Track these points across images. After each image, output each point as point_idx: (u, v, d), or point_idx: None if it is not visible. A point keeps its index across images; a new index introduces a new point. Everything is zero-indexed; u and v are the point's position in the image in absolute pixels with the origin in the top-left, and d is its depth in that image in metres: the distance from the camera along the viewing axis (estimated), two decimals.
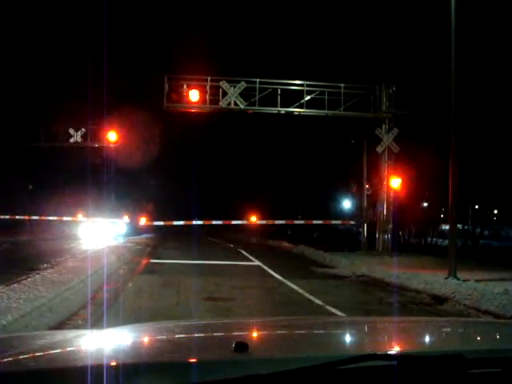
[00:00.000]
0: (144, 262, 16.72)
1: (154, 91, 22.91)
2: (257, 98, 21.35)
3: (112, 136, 26.67)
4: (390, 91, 21.99)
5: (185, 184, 36.80)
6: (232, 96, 21.33)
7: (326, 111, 21.73)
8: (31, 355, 1.67)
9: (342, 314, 8.32)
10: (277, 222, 28.70)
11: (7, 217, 30.56)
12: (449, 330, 2.42)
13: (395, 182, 21.53)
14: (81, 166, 28.76)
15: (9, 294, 7.45)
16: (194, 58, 24.10)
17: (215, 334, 2.16)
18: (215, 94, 21.49)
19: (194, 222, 28.65)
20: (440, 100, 17.24)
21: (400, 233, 26.89)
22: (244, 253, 21.45)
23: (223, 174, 44.59)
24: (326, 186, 34.46)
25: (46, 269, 11.84)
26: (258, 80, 21.47)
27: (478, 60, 21.27)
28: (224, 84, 21.39)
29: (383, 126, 21.98)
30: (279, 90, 21.43)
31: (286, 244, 26.41)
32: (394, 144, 21.74)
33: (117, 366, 1.42)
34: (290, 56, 33.54)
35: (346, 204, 33.08)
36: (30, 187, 37.50)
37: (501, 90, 22.03)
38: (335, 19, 31.34)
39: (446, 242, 16.72)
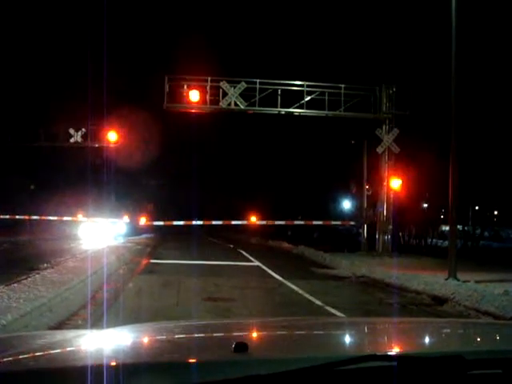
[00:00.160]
0: (144, 262, 16.72)
1: (154, 91, 22.95)
2: (257, 98, 21.35)
3: (112, 136, 26.68)
4: (391, 92, 21.99)
5: (185, 184, 36.81)
6: (232, 96, 21.34)
7: (326, 112, 21.73)
8: (31, 355, 1.67)
9: (342, 315, 8.32)
10: (277, 222, 28.72)
11: (7, 217, 30.60)
12: (449, 330, 2.42)
13: (395, 183, 21.52)
14: (81, 166, 28.81)
15: (9, 294, 7.45)
16: (194, 58, 24.10)
17: (215, 335, 2.16)
18: (215, 95, 21.49)
19: (194, 222, 28.65)
20: (440, 100, 17.25)
21: (400, 234, 26.87)
22: (244, 253, 21.45)
23: (223, 174, 44.63)
24: (326, 187, 34.48)
25: (46, 269, 11.84)
26: (258, 80, 21.47)
27: (478, 60, 21.27)
28: (224, 84, 21.40)
29: (383, 127, 21.98)
30: (279, 91, 21.42)
31: (285, 244, 26.39)
32: (394, 145, 21.74)
33: (117, 366, 1.42)
34: (290, 57, 33.58)
35: (346, 205, 33.09)
36: (32, 187, 37.52)
37: (501, 91, 22.02)
38: (335, 20, 31.35)
39: (446, 242, 16.69)
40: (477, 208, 27.73)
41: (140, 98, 29.62)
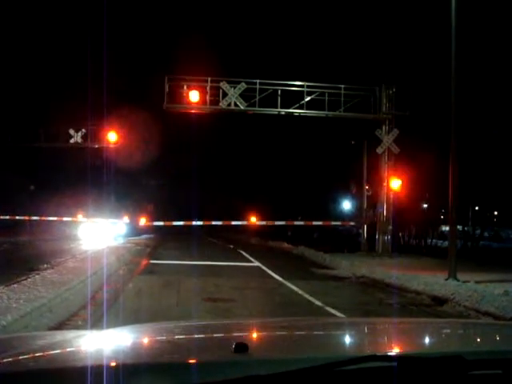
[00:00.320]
0: (144, 262, 16.72)
1: (154, 91, 22.95)
2: (257, 98, 21.37)
3: (112, 136, 26.69)
4: (390, 92, 22.00)
5: (185, 184, 36.79)
6: (232, 97, 21.35)
7: (326, 112, 21.74)
8: (31, 355, 1.67)
9: (342, 315, 8.32)
10: (277, 222, 28.70)
11: (7, 217, 30.57)
12: (449, 331, 2.42)
13: (395, 183, 21.52)
14: (81, 166, 28.79)
15: (9, 295, 7.44)
16: (194, 58, 24.09)
17: (215, 335, 2.16)
18: (215, 95, 21.51)
19: (194, 223, 28.67)
20: (440, 101, 17.23)
21: (400, 234, 26.88)
22: (244, 253, 21.45)
23: (223, 174, 44.63)
24: (326, 187, 34.44)
25: (45, 269, 11.83)
26: (258, 81, 21.48)
27: (478, 60, 21.26)
28: (224, 85, 21.41)
29: (383, 127, 21.99)
30: (279, 91, 21.43)
31: (285, 245, 26.40)
32: (394, 145, 21.75)
33: (117, 367, 1.42)
34: (290, 57, 33.51)
35: (346, 205, 33.06)
36: (32, 188, 37.51)
37: (501, 91, 22.01)
38: (335, 20, 31.30)
39: (446, 243, 16.69)
40: (477, 208, 27.72)
41: (140, 98, 29.66)
